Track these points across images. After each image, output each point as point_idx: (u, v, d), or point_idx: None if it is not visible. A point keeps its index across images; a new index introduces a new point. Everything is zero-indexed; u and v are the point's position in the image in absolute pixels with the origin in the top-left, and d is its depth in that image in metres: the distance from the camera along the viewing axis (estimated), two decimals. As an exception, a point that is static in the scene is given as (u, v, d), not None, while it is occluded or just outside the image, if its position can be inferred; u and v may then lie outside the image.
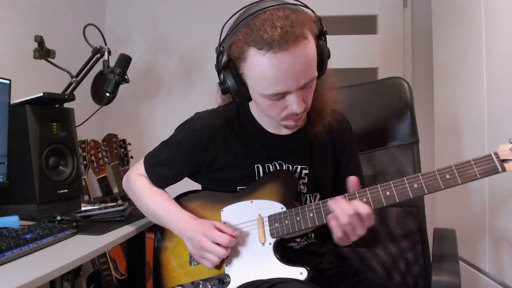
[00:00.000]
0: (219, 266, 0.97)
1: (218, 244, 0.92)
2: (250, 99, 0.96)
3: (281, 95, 0.88)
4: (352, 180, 0.90)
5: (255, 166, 1.02)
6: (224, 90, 0.95)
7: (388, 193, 0.87)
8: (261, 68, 0.85)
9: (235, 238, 0.93)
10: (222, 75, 0.93)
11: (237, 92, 0.93)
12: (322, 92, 1.01)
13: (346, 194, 0.90)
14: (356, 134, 1.22)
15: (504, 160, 0.80)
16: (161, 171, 1.08)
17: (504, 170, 0.80)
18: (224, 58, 0.92)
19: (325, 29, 0.92)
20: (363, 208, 0.84)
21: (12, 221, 1.08)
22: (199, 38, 2.29)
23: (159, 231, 1.11)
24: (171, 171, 1.08)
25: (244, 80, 0.92)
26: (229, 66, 0.92)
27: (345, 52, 2.23)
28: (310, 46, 0.86)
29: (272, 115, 0.95)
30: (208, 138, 1.04)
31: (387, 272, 1.27)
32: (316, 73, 0.90)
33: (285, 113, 0.92)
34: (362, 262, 1.29)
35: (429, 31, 2.09)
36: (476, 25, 1.52)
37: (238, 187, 1.03)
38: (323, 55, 0.91)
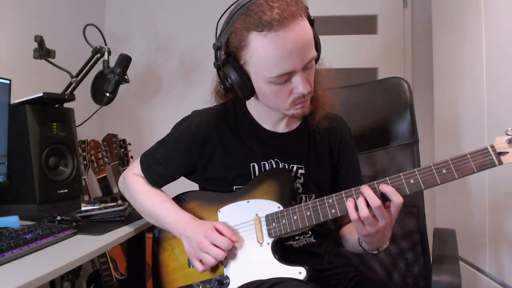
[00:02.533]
0: (214, 268, 0.96)
1: (216, 246, 0.91)
2: (254, 92, 0.95)
3: (287, 77, 0.88)
4: None
5: (251, 164, 1.02)
6: (226, 88, 0.95)
7: None
8: (265, 50, 0.85)
9: (234, 242, 0.93)
10: (222, 71, 0.94)
11: (240, 85, 0.92)
12: (321, 92, 1.02)
13: (342, 192, 0.90)
14: (356, 134, 1.22)
15: (500, 153, 0.79)
16: (158, 170, 1.08)
17: (500, 163, 0.79)
18: (223, 54, 0.93)
19: (312, 17, 0.93)
20: (395, 196, 0.82)
21: (12, 221, 1.08)
22: (199, 38, 2.28)
23: (157, 233, 1.10)
24: (168, 169, 1.08)
25: (246, 70, 0.92)
26: (228, 60, 0.92)
27: (345, 52, 2.23)
28: (307, 24, 0.88)
29: (279, 103, 0.94)
30: (205, 135, 1.04)
31: (387, 272, 1.27)
32: (316, 53, 0.91)
33: (292, 98, 0.92)
34: (362, 262, 1.29)
35: (429, 31, 2.09)
36: (476, 25, 1.52)
37: (234, 187, 1.03)
38: (316, 39, 0.92)
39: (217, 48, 0.92)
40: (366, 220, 0.83)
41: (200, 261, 0.94)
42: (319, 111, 1.04)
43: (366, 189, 0.84)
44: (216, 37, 0.93)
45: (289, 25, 0.83)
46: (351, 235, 1.05)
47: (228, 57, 0.93)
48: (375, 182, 0.87)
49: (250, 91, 0.94)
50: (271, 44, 0.84)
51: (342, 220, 1.11)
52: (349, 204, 0.85)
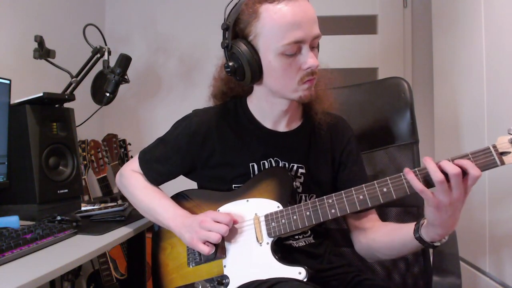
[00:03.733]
0: (214, 268, 0.96)
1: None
2: (261, 71, 0.95)
3: (297, 48, 0.90)
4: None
5: (250, 164, 1.02)
6: (233, 68, 0.95)
7: (385, 189, 0.86)
8: (278, 16, 0.89)
9: (235, 222, 0.95)
10: (230, 50, 0.94)
11: (250, 61, 0.93)
12: (321, 91, 1.03)
13: (342, 192, 0.90)
14: (356, 134, 1.21)
15: (502, 153, 0.77)
16: (157, 167, 1.08)
17: (503, 163, 0.78)
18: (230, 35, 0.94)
19: None
20: (473, 169, 0.76)
21: (12, 221, 1.08)
22: (199, 38, 2.29)
23: (156, 233, 1.10)
24: (167, 167, 1.08)
25: (256, 46, 0.93)
26: (237, 38, 0.94)
27: (345, 52, 2.23)
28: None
29: (287, 81, 0.94)
30: (204, 134, 1.04)
31: (387, 272, 1.27)
32: (320, 33, 0.93)
33: (300, 75, 0.93)
34: (362, 263, 1.28)
35: (429, 31, 2.09)
36: (476, 25, 1.52)
37: (233, 185, 1.03)
38: None
39: (226, 28, 0.94)
40: (442, 185, 0.76)
41: (204, 243, 0.92)
42: (319, 107, 1.04)
43: (444, 162, 0.78)
44: (224, 19, 0.95)
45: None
46: (391, 234, 0.99)
47: (237, 34, 0.95)
48: (375, 182, 0.87)
49: (259, 68, 0.94)
50: (283, 10, 0.88)
51: (364, 228, 1.06)
52: (411, 176, 0.79)
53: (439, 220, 0.81)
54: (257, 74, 0.95)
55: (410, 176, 0.80)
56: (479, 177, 0.76)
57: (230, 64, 0.95)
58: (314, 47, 0.94)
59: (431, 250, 1.14)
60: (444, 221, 0.81)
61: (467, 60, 1.62)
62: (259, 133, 1.05)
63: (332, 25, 2.33)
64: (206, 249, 0.92)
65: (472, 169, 0.76)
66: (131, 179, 1.10)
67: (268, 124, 1.05)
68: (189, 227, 0.96)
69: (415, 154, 1.27)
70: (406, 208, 1.26)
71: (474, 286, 1.54)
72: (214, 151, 1.04)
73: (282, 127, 1.06)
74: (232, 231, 0.97)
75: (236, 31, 0.94)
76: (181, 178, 1.12)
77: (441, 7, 1.92)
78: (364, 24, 2.36)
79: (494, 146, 0.78)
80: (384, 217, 1.29)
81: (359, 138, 1.28)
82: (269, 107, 1.03)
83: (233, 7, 0.95)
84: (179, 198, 1.09)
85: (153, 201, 1.05)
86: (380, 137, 1.31)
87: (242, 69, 0.94)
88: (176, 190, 1.11)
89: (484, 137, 1.45)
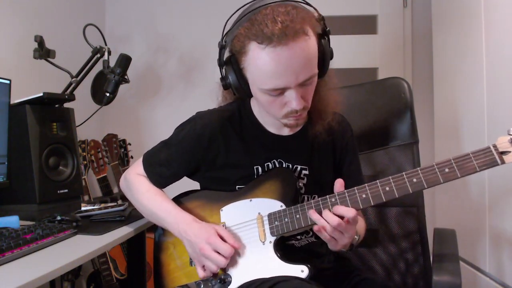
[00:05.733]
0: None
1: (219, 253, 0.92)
2: (251, 95, 0.96)
3: (281, 91, 0.89)
4: (339, 183, 0.92)
5: (255, 167, 1.03)
6: (226, 86, 0.97)
7: (387, 188, 0.87)
8: (261, 62, 0.86)
9: (237, 248, 0.94)
10: (223, 70, 0.95)
11: (237, 88, 0.94)
12: (323, 92, 1.02)
13: (345, 191, 0.90)
14: (356, 134, 1.22)
15: (503, 152, 0.80)
16: (161, 170, 1.08)
17: (503, 162, 0.80)
18: (226, 53, 0.94)
19: (328, 28, 0.93)
20: (348, 212, 0.86)
21: (12, 221, 1.08)
22: (199, 38, 2.29)
23: (159, 232, 1.10)
24: (171, 170, 1.08)
25: (245, 75, 0.93)
26: (230, 61, 0.93)
27: (345, 52, 2.23)
28: (310, 43, 0.87)
29: (273, 112, 0.96)
30: (209, 137, 1.04)
31: (387, 272, 1.27)
32: (316, 71, 0.90)
33: (285, 111, 0.93)
34: (362, 262, 1.29)
35: (429, 31, 2.09)
36: (476, 25, 1.52)
37: (237, 186, 1.03)
38: (324, 54, 0.92)
39: (221, 47, 0.94)
40: (331, 240, 0.89)
41: (203, 266, 0.95)
42: (318, 126, 1.04)
43: (326, 213, 0.88)
44: (222, 35, 0.94)
45: (287, 43, 0.83)
46: None
47: (231, 57, 0.94)
48: (377, 181, 0.87)
49: (247, 94, 0.96)
50: (267, 58, 0.85)
51: None
52: (316, 229, 0.89)
53: (338, 248, 0.93)
54: (246, 98, 0.98)
55: (319, 232, 0.89)
56: (355, 216, 0.86)
57: (222, 83, 0.97)
58: (305, 85, 0.90)
59: (431, 250, 1.14)
60: (342, 246, 0.93)
61: (467, 60, 1.62)
62: (263, 137, 1.05)
63: (332, 25, 2.31)
64: (201, 274, 0.96)
65: (347, 213, 0.86)
66: (135, 184, 1.10)
67: (271, 129, 1.06)
68: (191, 243, 0.96)
69: (415, 154, 1.28)
70: (406, 208, 1.26)
71: (474, 286, 1.54)
72: (219, 153, 1.04)
73: (286, 132, 1.06)
74: (235, 230, 0.98)
75: (232, 50, 0.94)
76: (184, 178, 1.12)
77: (441, 7, 1.92)
78: (364, 24, 2.36)
79: (495, 146, 0.81)
80: (384, 217, 1.29)
81: (359, 138, 1.28)
82: (270, 117, 1.03)
83: (231, 28, 0.93)
84: (183, 199, 1.08)
85: (155, 205, 1.05)
86: (380, 137, 1.31)
87: (232, 90, 0.96)
88: (179, 190, 1.11)
89: (484, 137, 1.45)
